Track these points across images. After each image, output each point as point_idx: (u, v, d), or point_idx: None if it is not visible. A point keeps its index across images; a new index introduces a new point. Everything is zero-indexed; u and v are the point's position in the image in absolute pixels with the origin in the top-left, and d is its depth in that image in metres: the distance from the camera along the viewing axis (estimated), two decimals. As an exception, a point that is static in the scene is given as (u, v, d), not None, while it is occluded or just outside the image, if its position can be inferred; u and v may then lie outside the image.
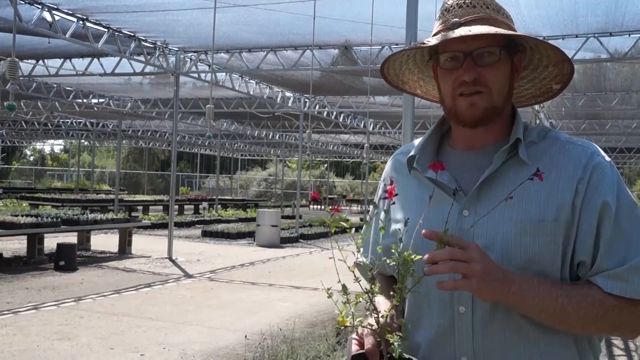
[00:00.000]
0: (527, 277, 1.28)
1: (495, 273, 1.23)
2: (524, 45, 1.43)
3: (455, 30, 1.34)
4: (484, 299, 1.27)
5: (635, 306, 1.28)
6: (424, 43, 1.38)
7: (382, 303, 1.37)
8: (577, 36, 10.00)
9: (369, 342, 1.29)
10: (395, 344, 1.24)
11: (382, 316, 1.28)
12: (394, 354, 1.24)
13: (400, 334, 1.27)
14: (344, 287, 1.29)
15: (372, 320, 1.30)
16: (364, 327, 1.32)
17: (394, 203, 1.50)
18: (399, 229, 1.48)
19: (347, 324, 1.29)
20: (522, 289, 1.26)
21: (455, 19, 1.38)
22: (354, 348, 1.31)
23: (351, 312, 1.29)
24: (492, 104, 1.37)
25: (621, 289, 1.26)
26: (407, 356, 1.26)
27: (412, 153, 1.49)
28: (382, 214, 1.56)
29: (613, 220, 1.29)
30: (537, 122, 15.42)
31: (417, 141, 1.55)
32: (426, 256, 1.23)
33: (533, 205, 1.32)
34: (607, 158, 1.37)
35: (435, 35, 1.41)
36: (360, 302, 1.28)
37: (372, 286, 1.30)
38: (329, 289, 1.31)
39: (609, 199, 1.30)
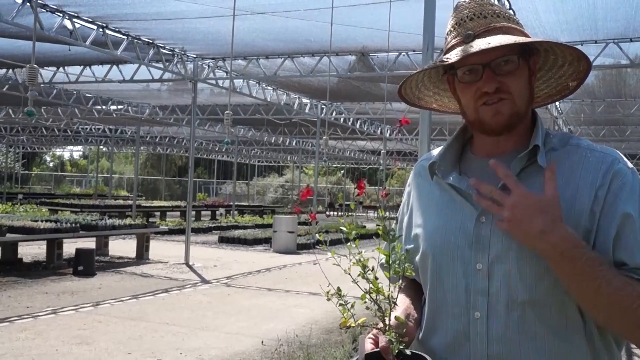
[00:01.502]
0: (580, 246, 1.23)
1: (533, 224, 1.22)
2: (538, 49, 1.42)
3: (473, 44, 1.34)
4: (519, 242, 1.28)
5: None
6: (443, 61, 1.38)
7: (400, 301, 1.38)
8: (596, 42, 9.91)
9: (383, 340, 1.29)
10: (393, 339, 1.26)
11: (389, 317, 1.31)
12: (406, 352, 1.25)
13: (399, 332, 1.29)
14: (339, 290, 1.33)
15: (388, 320, 1.31)
16: (372, 326, 1.33)
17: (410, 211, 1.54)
18: (419, 234, 1.51)
19: (349, 324, 1.31)
20: (565, 254, 1.22)
21: (469, 32, 1.38)
22: (368, 347, 1.31)
23: (351, 313, 1.32)
24: (516, 109, 1.37)
25: None
26: (419, 353, 1.28)
27: (433, 159, 1.49)
28: (402, 221, 1.60)
29: (636, 231, 1.27)
30: (556, 128, 15.30)
31: (439, 149, 1.56)
32: (473, 180, 1.31)
33: None
34: (630, 165, 1.35)
35: (450, 49, 1.42)
36: (365, 302, 1.30)
37: (392, 290, 1.32)
38: (328, 292, 1.34)
39: (631, 209, 1.28)
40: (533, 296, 1.30)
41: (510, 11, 1.45)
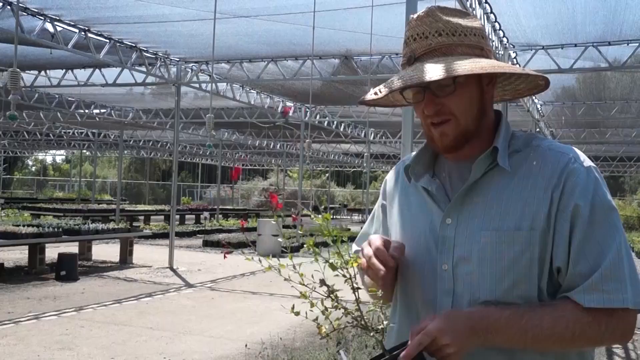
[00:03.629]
0: (494, 317, 1.29)
1: (462, 334, 1.26)
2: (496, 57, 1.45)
3: (394, 84, 1.37)
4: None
5: (611, 316, 1.27)
6: (377, 94, 1.45)
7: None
8: (575, 45, 10.04)
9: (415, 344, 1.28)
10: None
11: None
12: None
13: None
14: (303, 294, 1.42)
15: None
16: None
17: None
18: (391, 235, 1.57)
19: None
20: (490, 334, 1.28)
21: (410, 55, 1.41)
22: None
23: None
24: (461, 129, 1.40)
25: (599, 301, 1.26)
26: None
27: (407, 163, 1.52)
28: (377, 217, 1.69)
29: (586, 224, 1.30)
30: (537, 130, 15.46)
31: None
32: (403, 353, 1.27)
33: (510, 214, 1.34)
34: (587, 163, 1.37)
35: (402, 65, 1.46)
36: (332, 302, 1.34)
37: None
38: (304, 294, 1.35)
39: (581, 202, 1.31)
40: (494, 296, 1.33)
41: (467, 18, 1.41)
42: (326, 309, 1.30)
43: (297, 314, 1.37)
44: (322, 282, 1.38)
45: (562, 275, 1.33)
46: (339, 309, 1.33)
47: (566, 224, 1.31)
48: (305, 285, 1.33)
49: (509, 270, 1.32)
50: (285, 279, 1.33)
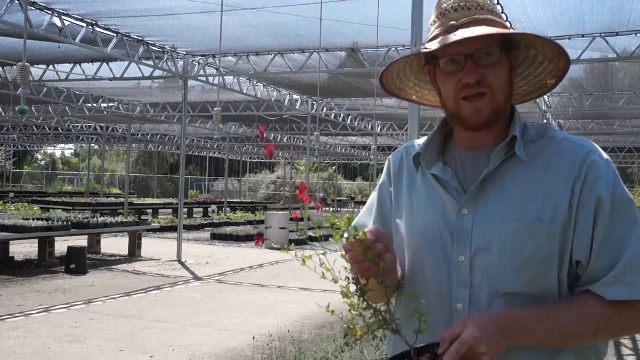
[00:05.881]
0: (522, 318, 1.28)
1: (495, 339, 1.24)
2: (519, 43, 1.43)
3: (457, 33, 1.34)
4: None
5: (631, 307, 1.28)
6: (426, 48, 1.38)
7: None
8: (583, 36, 9.97)
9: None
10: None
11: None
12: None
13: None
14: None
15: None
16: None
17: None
18: (399, 223, 1.52)
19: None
20: (518, 335, 1.27)
21: (452, 22, 1.38)
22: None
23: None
24: (496, 104, 1.38)
25: (622, 293, 1.27)
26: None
27: (417, 150, 1.50)
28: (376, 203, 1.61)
29: (608, 218, 1.30)
30: (545, 121, 15.40)
31: (420, 140, 1.57)
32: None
33: (530, 205, 1.33)
34: (605, 156, 1.37)
35: (432, 38, 1.41)
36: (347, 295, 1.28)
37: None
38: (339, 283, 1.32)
39: (604, 193, 1.31)
40: (515, 288, 1.32)
41: (498, 6, 1.43)
42: (356, 306, 1.24)
43: (333, 313, 1.31)
44: (356, 282, 1.27)
45: (582, 268, 1.33)
46: (368, 309, 1.27)
47: (589, 215, 1.31)
48: (333, 279, 1.25)
49: (530, 261, 1.31)
50: (310, 269, 1.26)
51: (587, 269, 1.32)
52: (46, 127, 29.11)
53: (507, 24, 1.44)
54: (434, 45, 1.36)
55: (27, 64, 6.89)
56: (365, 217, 1.63)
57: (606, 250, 1.30)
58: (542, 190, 1.33)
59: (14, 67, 12.67)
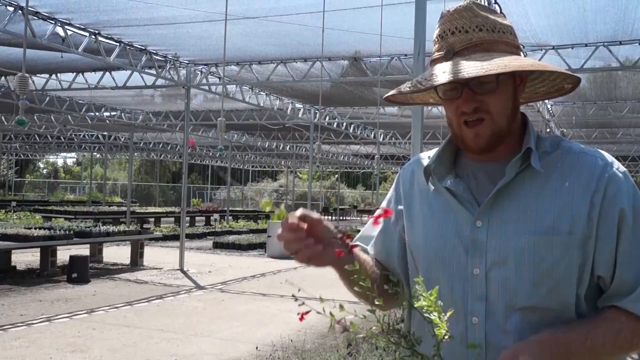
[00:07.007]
0: (564, 342, 1.25)
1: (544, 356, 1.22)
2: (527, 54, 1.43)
3: (446, 70, 1.32)
4: None
5: None
6: (421, 84, 1.37)
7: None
8: (586, 45, 9.97)
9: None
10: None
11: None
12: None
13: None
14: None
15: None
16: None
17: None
18: (410, 237, 1.49)
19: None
20: (562, 359, 1.25)
21: (449, 49, 1.36)
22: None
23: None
24: (496, 129, 1.36)
25: None
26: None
27: (429, 162, 1.48)
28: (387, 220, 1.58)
29: (630, 230, 1.29)
30: (548, 130, 15.39)
31: (430, 152, 1.54)
32: None
33: (547, 218, 1.31)
34: (622, 168, 1.36)
35: (433, 61, 1.40)
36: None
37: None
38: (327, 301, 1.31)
39: (626, 207, 1.29)
40: (532, 302, 1.30)
41: (499, 16, 1.39)
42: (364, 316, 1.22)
43: (333, 326, 1.28)
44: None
45: (605, 282, 1.31)
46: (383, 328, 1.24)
47: (612, 229, 1.29)
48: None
49: (548, 275, 1.29)
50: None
51: (613, 283, 1.30)
52: (48, 136, 29.16)
53: (511, 35, 1.43)
54: (426, 84, 1.35)
55: (27, 74, 6.88)
56: (370, 229, 1.64)
57: (631, 264, 1.28)
58: (559, 203, 1.31)
59: (15, 77, 12.71)
